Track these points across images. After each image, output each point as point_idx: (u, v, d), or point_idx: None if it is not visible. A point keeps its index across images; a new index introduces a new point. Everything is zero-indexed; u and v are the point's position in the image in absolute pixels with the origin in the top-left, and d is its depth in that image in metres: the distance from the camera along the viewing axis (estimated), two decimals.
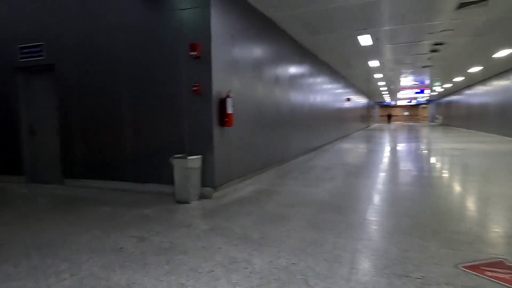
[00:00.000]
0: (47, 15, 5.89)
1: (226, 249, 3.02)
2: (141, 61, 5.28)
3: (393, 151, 11.45)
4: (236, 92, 5.53)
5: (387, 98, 40.42)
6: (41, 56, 5.97)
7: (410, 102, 47.75)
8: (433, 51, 10.79)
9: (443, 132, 22.57)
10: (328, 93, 13.54)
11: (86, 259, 2.85)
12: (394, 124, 45.55)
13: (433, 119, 44.71)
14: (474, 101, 22.75)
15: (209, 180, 4.98)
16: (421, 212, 4.05)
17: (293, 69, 8.76)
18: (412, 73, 17.52)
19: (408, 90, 26.92)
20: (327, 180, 6.13)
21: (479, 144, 13.00)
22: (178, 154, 4.95)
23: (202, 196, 4.96)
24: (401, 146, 13.14)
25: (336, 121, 15.60)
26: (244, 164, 5.95)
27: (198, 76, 4.93)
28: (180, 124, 5.11)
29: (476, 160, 8.64)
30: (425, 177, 6.37)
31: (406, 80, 20.65)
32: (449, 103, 33.37)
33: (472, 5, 6.40)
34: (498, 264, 2.59)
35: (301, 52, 9.63)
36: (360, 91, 25.45)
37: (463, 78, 19.31)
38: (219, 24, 5.06)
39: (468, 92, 24.36)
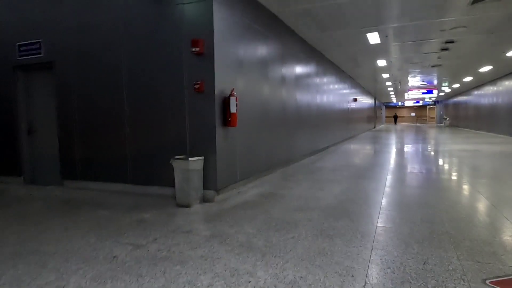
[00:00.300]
0: (46, 11, 5.71)
1: (227, 258, 2.78)
2: (142, 58, 5.07)
3: (401, 152, 11.14)
4: (240, 90, 5.30)
5: (393, 99, 39.95)
6: (39, 53, 5.79)
7: (418, 102, 47.17)
8: (444, 49, 10.47)
9: (452, 133, 22.14)
10: (334, 93, 13.27)
11: (76, 269, 2.63)
12: (401, 125, 45.00)
13: (440, 120, 44.11)
14: (483, 102, 22.29)
15: (211, 182, 4.75)
16: (437, 218, 3.78)
17: (299, 68, 8.52)
18: (420, 73, 17.16)
19: (416, 90, 26.49)
20: (335, 183, 5.87)
21: (490, 146, 12.64)
22: (180, 155, 4.73)
23: (204, 200, 4.73)
24: (409, 148, 12.81)
25: (342, 122, 15.31)
26: (248, 166, 5.71)
27: (200, 73, 4.71)
28: (181, 123, 4.89)
29: (488, 162, 8.31)
30: (437, 180, 6.08)
31: (414, 80, 20.28)
32: (457, 104, 32.83)
33: (488, 0, 6.11)
34: None
35: (308, 51, 9.38)
36: (366, 92, 25.10)
37: (472, 78, 18.90)
38: (222, 19, 4.84)
39: (477, 92, 23.89)
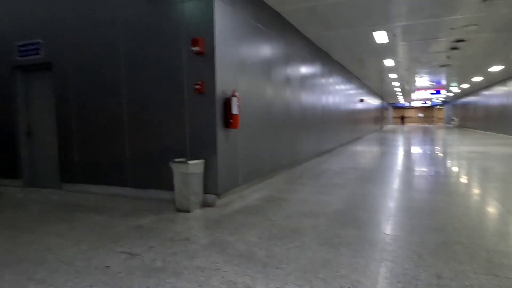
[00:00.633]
0: (45, 11, 5.60)
1: (225, 270, 2.61)
2: (141, 58, 4.93)
3: (409, 154, 10.88)
4: (242, 91, 5.13)
5: (401, 99, 39.49)
6: (38, 54, 5.69)
7: (425, 103, 46.59)
8: (453, 48, 10.19)
9: (460, 134, 21.73)
10: (340, 94, 13.04)
11: (65, 281, 2.48)
12: (408, 126, 44.46)
13: (449, 121, 43.51)
14: (493, 102, 21.84)
15: (212, 186, 4.59)
16: (450, 226, 3.56)
17: (304, 69, 8.32)
18: (429, 73, 16.84)
19: (424, 90, 26.09)
20: (340, 187, 5.67)
21: (500, 147, 12.30)
22: (180, 157, 4.58)
23: (204, 204, 4.56)
24: (417, 149, 12.53)
25: (348, 123, 15.06)
26: (251, 169, 5.54)
27: (200, 73, 4.55)
28: (181, 125, 4.74)
29: (499, 165, 8.03)
30: (447, 184, 5.84)
31: (422, 80, 19.93)
32: (466, 105, 32.30)
33: None
34: None
35: (313, 51, 9.18)
36: (373, 92, 24.78)
37: (482, 78, 18.51)
38: (223, 17, 4.67)
39: (486, 92, 23.43)
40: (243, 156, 5.23)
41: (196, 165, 4.34)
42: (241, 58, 5.19)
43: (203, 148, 4.61)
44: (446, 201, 4.65)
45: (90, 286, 2.40)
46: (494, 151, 10.91)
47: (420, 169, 7.52)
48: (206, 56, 4.49)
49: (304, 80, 8.32)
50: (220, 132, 4.62)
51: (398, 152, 11.29)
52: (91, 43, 5.27)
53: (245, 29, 5.34)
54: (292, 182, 6.14)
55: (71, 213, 4.32)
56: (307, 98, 8.65)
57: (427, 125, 45.00)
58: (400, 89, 25.63)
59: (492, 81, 20.30)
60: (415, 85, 22.80)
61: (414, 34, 8.63)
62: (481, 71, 15.93)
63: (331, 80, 11.36)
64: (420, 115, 56.07)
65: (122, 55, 5.04)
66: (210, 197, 4.58)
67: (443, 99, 40.80)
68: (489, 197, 4.98)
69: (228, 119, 4.70)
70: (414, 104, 48.75)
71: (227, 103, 4.69)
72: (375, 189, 5.44)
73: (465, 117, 32.89)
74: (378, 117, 29.74)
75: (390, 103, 46.09)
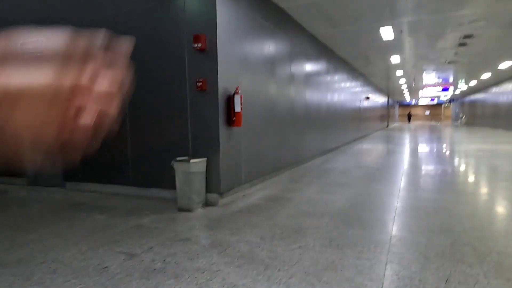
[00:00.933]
0: (47, 8, 5.57)
1: (226, 272, 2.54)
2: (142, 55, 4.87)
3: (416, 152, 10.72)
4: (245, 89, 5.05)
5: (407, 97, 39.11)
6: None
7: (432, 100, 46.10)
8: (461, 44, 10.00)
9: (468, 132, 21.42)
10: (346, 91, 12.89)
11: (62, 282, 2.43)
12: (415, 124, 44.03)
13: (456, 118, 43.02)
14: (502, 100, 21.51)
15: (214, 185, 4.52)
16: (458, 227, 3.45)
17: (309, 66, 8.21)
18: (436, 70, 16.60)
19: (431, 88, 25.77)
20: (345, 186, 5.57)
21: (509, 145, 12.07)
22: (182, 156, 4.52)
23: (207, 203, 4.50)
24: (424, 148, 12.35)
25: (354, 121, 14.90)
26: (254, 167, 5.46)
27: (202, 70, 4.48)
28: (183, 123, 4.67)
29: (509, 163, 7.86)
30: (454, 183, 5.72)
31: (429, 77, 19.67)
32: (474, 102, 31.90)
33: None
34: None
35: (318, 47, 9.06)
36: (379, 90, 24.54)
37: (490, 74, 18.21)
38: (226, 13, 4.59)
39: (495, 90, 23.08)
40: (246, 154, 5.16)
41: (198, 164, 4.28)
42: (244, 55, 5.11)
43: (206, 146, 4.55)
44: (454, 200, 4.54)
45: (88, 287, 2.35)
46: (502, 149, 10.71)
47: (427, 168, 7.39)
48: (208, 53, 4.42)
49: (308, 78, 8.21)
50: (223, 130, 4.55)
51: (404, 151, 11.13)
52: None
53: (248, 25, 5.25)
54: (296, 181, 6.05)
55: (73, 212, 4.28)
56: (312, 95, 8.54)
57: (434, 123, 44.52)
58: (406, 87, 25.35)
59: (501, 78, 19.97)
60: (422, 83, 22.53)
61: (421, 30, 8.47)
62: (490, 67, 15.66)
63: (336, 77, 11.22)
64: (427, 112, 55.54)
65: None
66: (213, 196, 4.52)
67: (451, 97, 40.32)
68: (499, 197, 4.85)
69: (231, 117, 4.63)
70: (421, 101, 48.28)
71: (229, 101, 4.62)
72: (381, 188, 5.33)
73: (473, 114, 32.48)
74: (384, 115, 29.47)
75: (396, 101, 45.68)
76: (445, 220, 3.69)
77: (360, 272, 2.48)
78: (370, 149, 11.90)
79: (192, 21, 4.47)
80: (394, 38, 9.03)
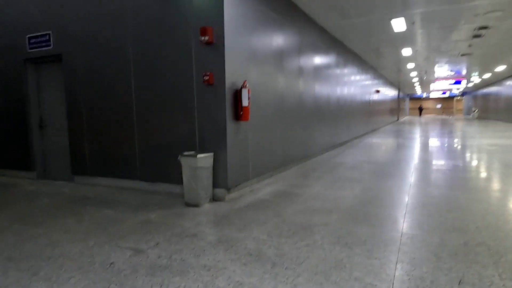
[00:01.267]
0: (54, 2, 5.54)
1: (232, 269, 2.50)
2: (150, 49, 4.82)
3: (427, 147, 10.52)
4: (253, 82, 4.98)
5: (418, 90, 38.45)
6: (49, 46, 5.66)
7: (444, 94, 45.24)
8: (476, 36, 9.71)
9: (481, 126, 20.97)
10: (355, 84, 12.69)
11: (68, 278, 2.43)
12: (426, 117, 43.33)
13: (468, 112, 42.20)
14: None
15: (222, 180, 4.48)
16: (471, 225, 3.35)
17: (318, 59, 8.07)
18: (448, 62, 16.21)
19: (443, 81, 25.25)
20: (355, 181, 5.48)
21: None
22: (189, 151, 4.48)
23: (214, 198, 4.48)
24: (435, 142, 12.12)
25: (364, 115, 14.70)
26: (262, 162, 5.40)
27: (209, 64, 4.41)
28: (191, 117, 4.63)
29: None
30: (467, 178, 5.57)
31: (441, 70, 19.25)
32: (487, 95, 31.19)
33: None
34: None
35: (328, 40, 8.89)
36: (389, 83, 24.14)
37: (505, 67, 17.73)
38: (233, 5, 4.50)
39: (510, 82, 22.49)
40: (254, 149, 5.10)
41: (205, 159, 4.24)
42: (252, 48, 5.02)
43: (213, 141, 4.50)
44: (466, 197, 4.42)
45: (93, 283, 2.33)
46: None
47: (438, 163, 7.23)
48: (215, 46, 4.35)
49: (318, 71, 8.08)
50: (230, 125, 4.49)
51: (415, 145, 10.94)
52: (100, 34, 5.19)
53: (256, 17, 5.15)
54: (304, 176, 5.98)
55: (81, 207, 4.30)
56: (321, 89, 8.41)
57: (445, 117, 43.75)
58: (418, 79, 24.89)
59: None
60: (433, 75, 22.08)
61: (434, 22, 8.23)
62: (505, 60, 15.24)
63: (346, 70, 11.04)
64: (439, 106, 54.59)
65: (130, 46, 4.95)
66: (220, 191, 4.48)
67: (463, 90, 39.52)
68: None
69: (238, 111, 4.57)
70: (432, 95, 47.44)
71: (237, 95, 4.55)
72: (391, 184, 5.23)
73: (486, 108, 31.80)
74: (394, 108, 29.05)
75: (407, 94, 44.98)
76: (458, 218, 3.58)
77: (370, 272, 2.42)
78: (380, 143, 11.73)
79: (199, 14, 4.40)
80: (406, 30, 8.82)
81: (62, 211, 4.14)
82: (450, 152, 9.02)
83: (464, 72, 20.55)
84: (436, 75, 22.06)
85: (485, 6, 6.95)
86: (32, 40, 5.78)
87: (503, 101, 24.83)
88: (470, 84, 30.14)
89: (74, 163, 5.70)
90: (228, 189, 4.54)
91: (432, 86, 31.45)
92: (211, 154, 4.37)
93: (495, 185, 5.19)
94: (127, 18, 4.93)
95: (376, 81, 17.84)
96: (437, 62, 16.10)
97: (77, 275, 2.46)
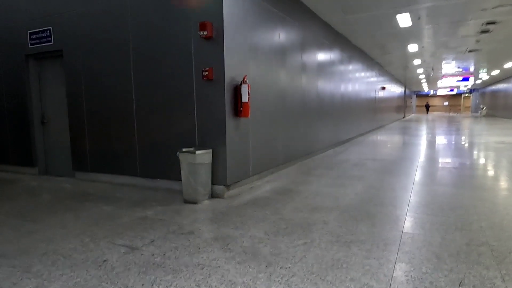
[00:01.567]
0: None
1: (226, 268, 2.45)
2: (150, 45, 4.77)
3: (433, 144, 10.36)
4: (253, 78, 4.91)
5: (425, 87, 38.01)
6: (50, 41, 5.64)
7: (452, 91, 44.67)
8: (484, 31, 9.51)
9: (489, 124, 20.65)
10: (360, 81, 12.54)
11: (60, 275, 2.39)
12: (433, 114, 42.85)
13: (476, 109, 41.64)
14: None
15: (221, 177, 4.43)
16: (475, 224, 3.26)
17: (321, 55, 7.96)
18: (456, 59, 15.95)
19: (450, 77, 24.91)
20: (358, 179, 5.39)
21: None
22: (189, 147, 4.44)
23: (213, 195, 4.43)
24: (441, 139, 11.94)
25: (369, 112, 14.54)
26: (263, 159, 5.34)
27: (209, 59, 4.35)
28: (190, 114, 4.58)
29: None
30: (473, 177, 5.45)
31: (448, 66, 18.96)
32: (495, 92, 30.71)
33: None
34: None
35: (331, 36, 8.77)
36: (395, 80, 23.87)
37: None
38: (233, 0, 4.42)
39: None
40: (254, 145, 5.04)
41: (203, 155, 4.19)
42: (253, 43, 4.95)
43: (212, 137, 4.45)
44: (471, 196, 4.31)
45: (84, 281, 2.30)
46: None
47: (444, 161, 7.11)
48: (215, 41, 4.28)
49: (321, 67, 7.97)
50: (230, 121, 4.43)
51: (420, 143, 10.79)
52: (99, 30, 5.15)
53: (257, 12, 5.07)
54: (306, 173, 5.91)
55: (80, 203, 4.28)
56: (325, 86, 8.31)
57: (453, 114, 43.23)
58: (424, 76, 24.58)
59: None
60: (441, 72, 21.77)
61: (440, 17, 8.06)
62: None
63: (350, 67, 10.90)
64: (446, 103, 53.96)
65: (130, 41, 4.90)
66: (219, 188, 4.43)
67: (471, 87, 39.00)
68: None
69: (238, 107, 4.50)
70: (439, 92, 46.88)
71: (237, 91, 4.49)
72: (395, 182, 5.14)
73: (495, 105, 31.33)
74: (400, 105, 28.75)
75: (414, 91, 44.52)
76: (462, 217, 3.49)
77: (367, 272, 2.35)
78: (385, 140, 11.59)
79: (199, 8, 4.33)
80: (412, 25, 8.66)
81: (61, 207, 4.13)
82: (456, 150, 8.87)
83: (471, 68, 20.23)
84: (443, 72, 21.76)
85: (493, 0, 6.78)
86: (33, 36, 5.77)
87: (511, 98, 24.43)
88: (478, 81, 29.70)
89: (75, 159, 5.69)
90: (228, 186, 4.49)
91: (439, 83, 31.06)
92: (210, 150, 4.31)
93: (502, 183, 5.07)
94: (127, 14, 4.88)
95: (381, 78, 17.64)
96: (444, 59, 15.85)
97: (69, 272, 2.43)
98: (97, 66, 5.26)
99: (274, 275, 2.33)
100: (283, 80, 5.97)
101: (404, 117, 31.57)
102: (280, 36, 5.82)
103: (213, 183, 4.43)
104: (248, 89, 4.47)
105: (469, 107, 48.37)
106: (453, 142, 10.81)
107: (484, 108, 35.59)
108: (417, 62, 16.08)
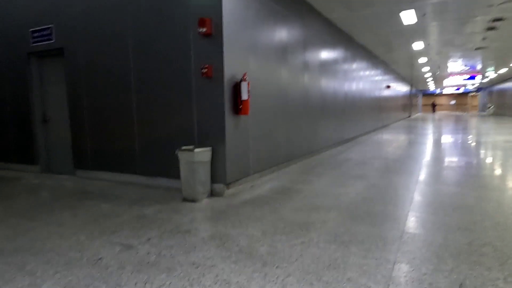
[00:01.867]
0: None
1: (221, 268, 2.41)
2: (149, 42, 4.74)
3: (438, 144, 10.23)
4: (254, 76, 4.86)
5: (431, 86, 37.63)
6: (51, 39, 5.65)
7: (458, 89, 44.17)
8: (490, 28, 9.35)
9: (496, 123, 20.36)
10: (365, 80, 12.42)
11: (53, 273, 2.37)
12: (439, 113, 42.43)
13: (483, 108, 41.13)
14: None
15: (220, 175, 4.39)
16: (478, 224, 3.18)
17: (324, 53, 7.88)
18: (462, 57, 15.74)
19: (456, 76, 24.61)
20: (359, 178, 5.32)
21: None
22: (188, 145, 4.40)
23: (212, 194, 4.39)
24: (447, 138, 11.79)
25: (373, 111, 14.40)
26: (264, 158, 5.29)
27: (208, 56, 4.31)
28: (189, 111, 4.54)
29: None
30: (478, 176, 5.35)
31: (455, 65, 18.72)
32: (503, 91, 30.28)
33: None
34: None
35: (334, 33, 8.68)
36: (401, 78, 23.65)
37: None
38: None
39: None
40: (254, 144, 4.99)
41: (202, 153, 4.15)
42: (253, 40, 4.90)
43: (211, 135, 4.41)
44: (475, 195, 4.22)
45: (77, 279, 2.27)
46: None
47: (449, 160, 7.00)
48: (214, 38, 4.24)
49: (324, 65, 7.89)
50: (229, 119, 4.39)
51: (426, 141, 10.65)
52: (100, 28, 5.14)
53: (258, 8, 5.02)
54: (308, 172, 5.85)
55: (79, 201, 4.27)
56: (328, 84, 8.23)
57: (459, 113, 42.75)
58: (430, 75, 24.31)
59: None
60: (447, 70, 21.52)
61: (446, 13, 7.94)
62: None
63: (354, 65, 10.80)
64: (452, 102, 53.39)
65: (130, 39, 4.88)
66: (218, 186, 4.39)
67: (478, 85, 38.52)
68: None
69: (238, 105, 4.46)
70: (445, 90, 46.40)
71: (236, 88, 4.44)
72: (397, 181, 5.06)
73: (502, 104, 30.90)
74: (406, 104, 28.49)
75: (419, 90, 44.11)
76: (465, 216, 3.41)
77: (365, 272, 2.29)
78: (390, 139, 11.47)
79: (198, 4, 4.29)
80: (417, 22, 8.54)
81: (60, 204, 4.12)
82: (462, 149, 8.74)
83: (478, 67, 19.96)
84: (449, 70, 21.51)
85: None
86: (35, 34, 5.78)
87: None
88: (485, 80, 29.32)
89: (76, 157, 5.69)
90: (228, 185, 4.45)
91: (446, 82, 30.73)
92: (209, 148, 4.28)
93: (508, 183, 4.96)
94: (127, 12, 4.86)
95: (387, 77, 17.48)
96: (451, 57, 15.66)
97: (63, 271, 2.40)
98: (97, 65, 5.24)
99: (269, 275, 2.28)
100: (285, 78, 5.91)
101: (409, 116, 31.29)
102: (282, 33, 5.76)
103: (212, 181, 4.39)
104: (248, 87, 4.42)
105: (476, 106, 47.81)
106: (459, 141, 10.66)
107: (492, 106, 35.13)
108: (423, 60, 15.91)
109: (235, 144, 4.54)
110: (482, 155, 7.71)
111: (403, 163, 6.64)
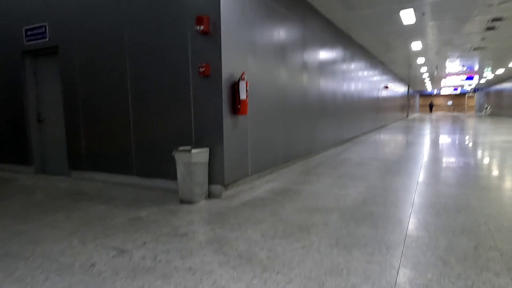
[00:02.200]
0: None
1: (219, 273, 2.31)
2: (145, 40, 4.64)
3: (436, 144, 10.18)
4: (252, 75, 4.77)
5: (429, 87, 37.70)
6: (45, 38, 5.53)
7: (455, 90, 44.28)
8: (489, 28, 9.31)
9: (493, 123, 20.37)
10: (363, 80, 12.36)
11: (44, 279, 2.27)
12: (436, 114, 42.49)
13: (480, 109, 41.26)
14: None
15: (218, 176, 4.30)
16: (483, 227, 3.11)
17: (323, 52, 7.80)
18: (460, 57, 15.72)
19: (454, 76, 24.61)
20: (359, 178, 5.24)
21: None
22: (185, 146, 4.31)
23: (210, 195, 4.30)
24: (445, 139, 11.75)
25: (371, 111, 14.35)
26: (263, 158, 5.20)
27: (205, 55, 4.21)
28: (187, 111, 4.45)
29: None
30: (479, 177, 5.29)
31: (453, 65, 18.71)
32: (500, 92, 30.38)
33: None
34: None
35: (334, 33, 8.61)
36: (399, 79, 23.64)
37: None
38: None
39: None
40: (253, 144, 4.90)
41: (200, 154, 4.05)
42: (252, 39, 4.81)
43: (209, 135, 4.31)
44: (478, 197, 4.15)
45: (69, 286, 2.17)
46: None
47: (448, 160, 6.94)
48: (212, 36, 4.14)
49: (323, 65, 7.82)
50: (227, 119, 4.30)
51: (424, 142, 10.60)
52: (95, 26, 5.03)
53: (257, 7, 4.93)
54: (307, 173, 5.76)
55: (73, 202, 4.16)
56: (327, 84, 8.15)
57: (456, 114, 42.84)
58: (428, 75, 24.32)
59: None
60: (445, 71, 21.52)
61: (445, 13, 7.88)
62: None
63: (353, 65, 10.73)
64: (450, 103, 53.55)
65: (126, 37, 4.78)
66: (216, 187, 4.30)
67: (475, 86, 38.62)
68: None
69: (236, 105, 4.37)
70: (443, 91, 46.51)
71: (234, 88, 4.35)
72: (398, 182, 4.98)
73: (499, 105, 31.00)
74: (404, 105, 28.50)
75: (417, 90, 44.19)
76: (468, 219, 3.34)
77: (368, 279, 2.21)
78: (388, 140, 11.41)
79: (196, 1, 4.20)
80: (416, 22, 8.48)
81: (54, 206, 4.01)
82: (461, 149, 8.69)
83: (476, 67, 19.97)
84: (447, 71, 21.51)
85: None
86: (29, 32, 5.66)
87: None
88: (483, 80, 29.38)
89: (71, 158, 5.58)
90: (226, 186, 4.35)
91: (443, 82, 30.75)
92: (207, 149, 4.18)
93: (509, 184, 4.90)
94: (122, 9, 4.76)
95: (385, 77, 17.44)
96: (449, 57, 15.63)
97: (54, 277, 2.30)
98: (92, 64, 5.14)
99: (269, 281, 2.20)
100: (284, 78, 5.83)
101: (407, 117, 31.31)
102: (281, 32, 5.67)
103: (210, 182, 4.29)
104: (247, 86, 4.33)
105: (473, 106, 47.97)
106: (457, 142, 10.62)
107: (489, 107, 35.24)
108: (421, 60, 15.87)
109: (233, 145, 4.45)
110: (481, 156, 7.65)
111: (403, 163, 6.57)
